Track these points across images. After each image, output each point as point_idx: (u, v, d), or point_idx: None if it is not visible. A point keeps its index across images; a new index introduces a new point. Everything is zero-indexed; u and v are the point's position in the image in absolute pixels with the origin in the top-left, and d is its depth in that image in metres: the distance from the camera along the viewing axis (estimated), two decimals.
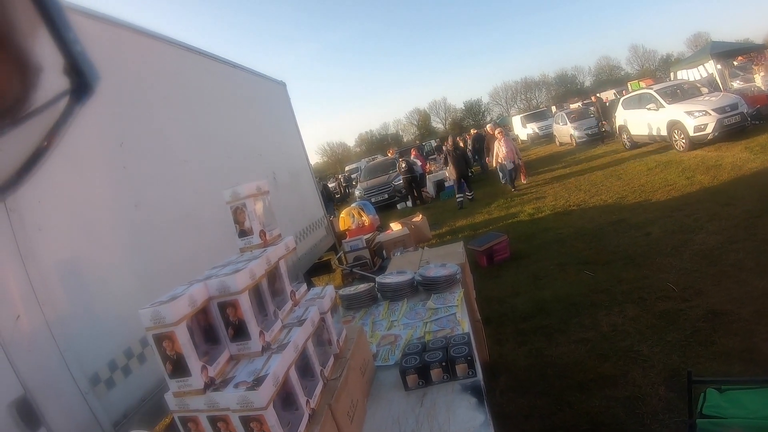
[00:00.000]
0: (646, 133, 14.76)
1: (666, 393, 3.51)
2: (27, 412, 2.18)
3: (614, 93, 39.20)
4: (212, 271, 1.82)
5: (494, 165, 15.36)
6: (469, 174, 16.23)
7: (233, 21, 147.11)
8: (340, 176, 34.89)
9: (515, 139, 20.87)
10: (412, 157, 20.79)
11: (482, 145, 19.65)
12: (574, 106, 27.66)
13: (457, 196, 14.95)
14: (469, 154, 20.35)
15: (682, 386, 2.63)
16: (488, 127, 17.87)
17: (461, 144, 20.50)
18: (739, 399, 2.32)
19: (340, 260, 8.67)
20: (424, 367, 2.26)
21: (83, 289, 2.78)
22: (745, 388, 2.39)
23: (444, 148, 18.21)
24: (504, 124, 23.75)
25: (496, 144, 14.77)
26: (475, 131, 25.51)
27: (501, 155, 14.54)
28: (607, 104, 22.92)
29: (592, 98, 22.26)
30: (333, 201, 23.00)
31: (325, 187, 23.44)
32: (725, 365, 3.63)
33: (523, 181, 15.16)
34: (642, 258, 6.22)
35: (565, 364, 4.27)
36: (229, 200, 1.99)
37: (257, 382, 1.48)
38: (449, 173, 16.58)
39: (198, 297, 1.57)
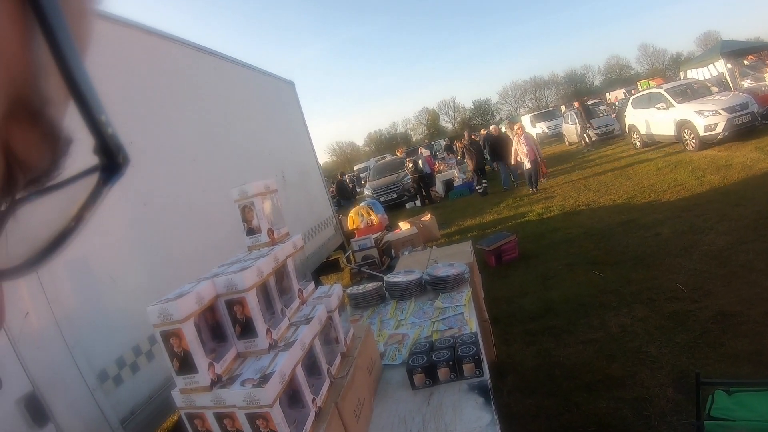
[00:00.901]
0: (656, 133, 14.68)
1: (674, 394, 3.49)
2: (35, 408, 2.20)
3: (624, 92, 39.07)
4: (220, 268, 1.83)
5: (513, 163, 14.46)
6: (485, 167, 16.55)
7: (241, 19, 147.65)
8: (347, 175, 34.52)
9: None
10: (420, 152, 20.81)
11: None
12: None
13: (477, 186, 16.04)
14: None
15: (691, 388, 2.63)
16: (492, 128, 17.16)
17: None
18: (748, 401, 2.30)
19: (348, 259, 8.68)
20: (431, 366, 2.26)
21: (92, 286, 2.80)
22: (753, 391, 2.38)
23: (462, 142, 18.21)
24: (515, 123, 23.47)
25: (515, 140, 13.86)
26: (485, 131, 25.43)
27: (520, 153, 13.57)
28: (617, 104, 22.69)
29: (576, 104, 22.20)
30: (353, 198, 22.94)
31: (342, 182, 23.44)
32: (734, 367, 3.60)
33: (542, 180, 14.19)
34: (651, 258, 6.19)
35: (573, 364, 4.26)
36: (237, 198, 1.99)
37: (264, 379, 1.48)
38: (468, 165, 16.95)
39: (205, 294, 1.58)
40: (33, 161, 0.31)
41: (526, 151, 13.42)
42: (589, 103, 33.30)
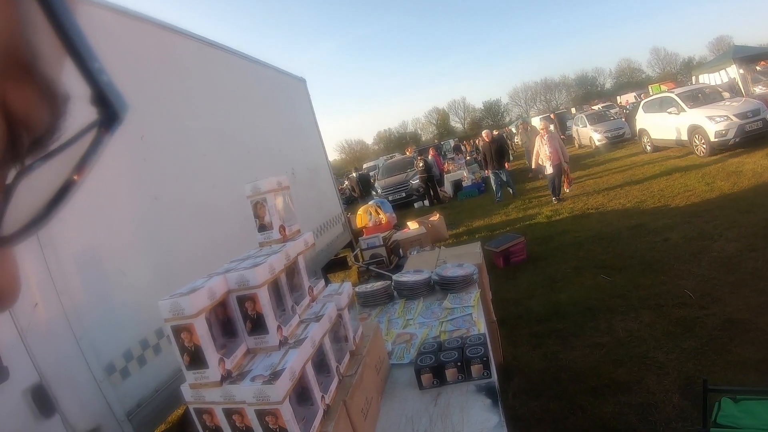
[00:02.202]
0: (667, 137, 14.61)
1: (680, 401, 3.48)
2: (42, 399, 2.21)
3: (634, 96, 38.90)
4: (232, 264, 1.83)
5: (533, 166, 13.06)
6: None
7: (253, 15, 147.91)
8: (354, 174, 34.12)
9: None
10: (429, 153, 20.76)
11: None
12: (594, 108, 27.59)
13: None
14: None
15: (697, 394, 2.62)
16: (484, 133, 15.32)
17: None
18: (754, 409, 2.29)
19: (356, 257, 8.68)
20: (439, 366, 2.26)
21: (101, 279, 2.81)
22: (760, 399, 2.37)
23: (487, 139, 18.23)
24: (527, 123, 23.28)
25: (537, 141, 12.04)
26: (497, 131, 25.35)
27: (542, 155, 11.79)
28: (628, 107, 22.63)
29: (551, 116, 22.32)
30: (372, 189, 22.66)
31: (365, 175, 23.24)
32: (741, 375, 3.58)
33: (566, 190, 12.47)
34: (660, 264, 6.16)
35: (579, 368, 4.24)
36: (249, 194, 1.99)
37: (274, 376, 1.48)
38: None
39: (217, 290, 1.58)
40: (33, 119, 0.30)
41: (549, 154, 11.62)
42: (599, 105, 33.22)
